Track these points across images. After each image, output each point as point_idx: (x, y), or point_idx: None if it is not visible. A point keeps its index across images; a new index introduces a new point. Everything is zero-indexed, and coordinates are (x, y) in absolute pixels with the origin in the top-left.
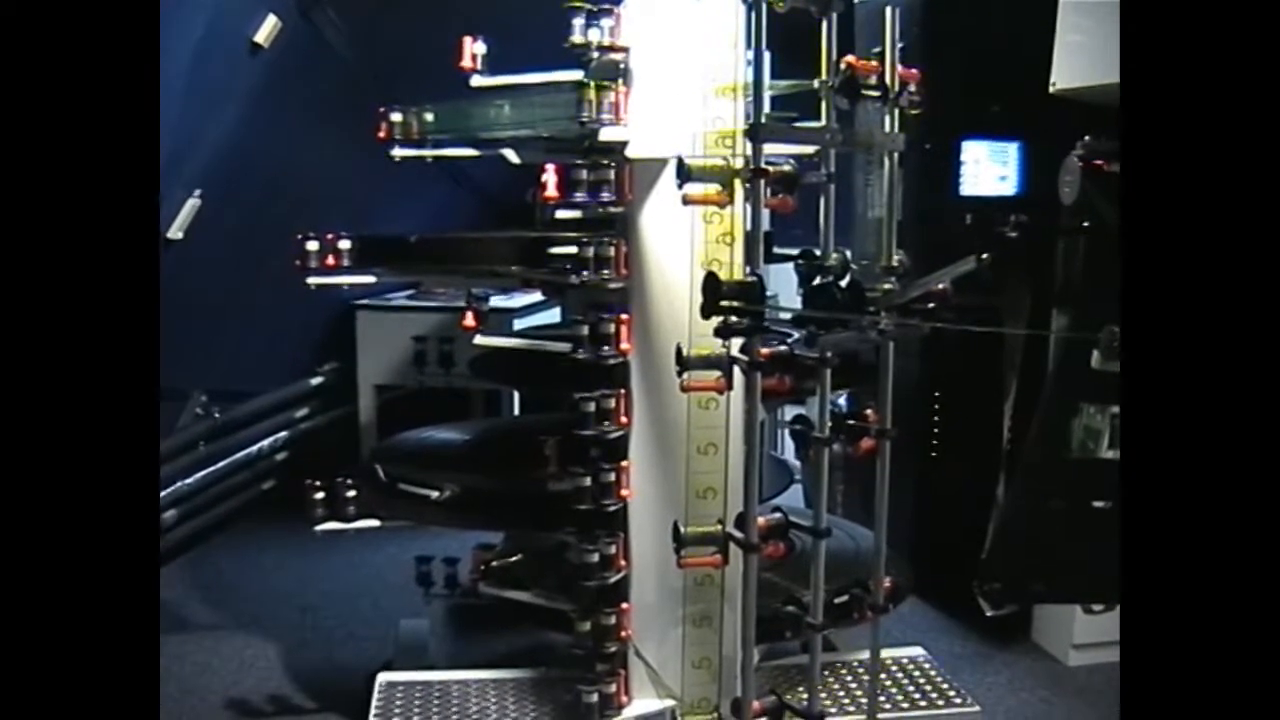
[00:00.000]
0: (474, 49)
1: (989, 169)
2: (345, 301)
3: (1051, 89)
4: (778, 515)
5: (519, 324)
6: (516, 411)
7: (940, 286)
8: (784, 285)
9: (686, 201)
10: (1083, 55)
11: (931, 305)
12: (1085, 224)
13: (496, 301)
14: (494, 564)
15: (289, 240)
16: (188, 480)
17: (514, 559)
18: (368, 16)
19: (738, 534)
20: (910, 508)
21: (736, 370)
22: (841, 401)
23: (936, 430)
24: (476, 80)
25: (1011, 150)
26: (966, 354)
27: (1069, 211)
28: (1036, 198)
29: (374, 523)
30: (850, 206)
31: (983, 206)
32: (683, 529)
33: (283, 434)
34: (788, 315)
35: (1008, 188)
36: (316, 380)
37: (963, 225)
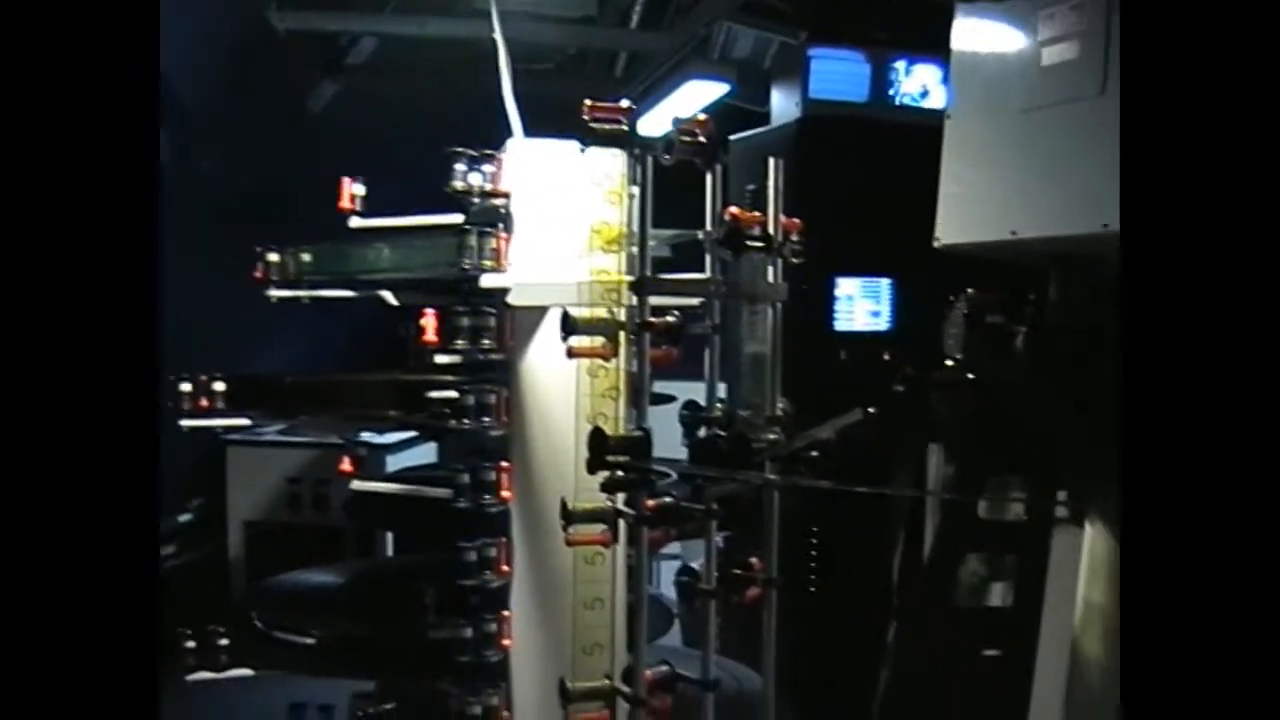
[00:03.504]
0: (353, 190)
1: (862, 305)
2: (214, 436)
3: (935, 244)
4: (665, 668)
5: (392, 461)
6: (390, 550)
7: (825, 436)
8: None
9: (571, 354)
10: (966, 209)
11: (815, 454)
12: (970, 376)
13: (369, 437)
14: (371, 712)
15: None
16: None
17: (388, 707)
18: (244, 154)
19: (625, 689)
20: (790, 644)
21: (621, 523)
22: (718, 539)
23: (814, 564)
24: (355, 222)
25: (884, 286)
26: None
27: (954, 364)
28: (911, 333)
29: (247, 671)
30: (730, 337)
31: (856, 342)
32: (569, 685)
33: None
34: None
35: (881, 323)
36: (184, 517)
37: (837, 360)
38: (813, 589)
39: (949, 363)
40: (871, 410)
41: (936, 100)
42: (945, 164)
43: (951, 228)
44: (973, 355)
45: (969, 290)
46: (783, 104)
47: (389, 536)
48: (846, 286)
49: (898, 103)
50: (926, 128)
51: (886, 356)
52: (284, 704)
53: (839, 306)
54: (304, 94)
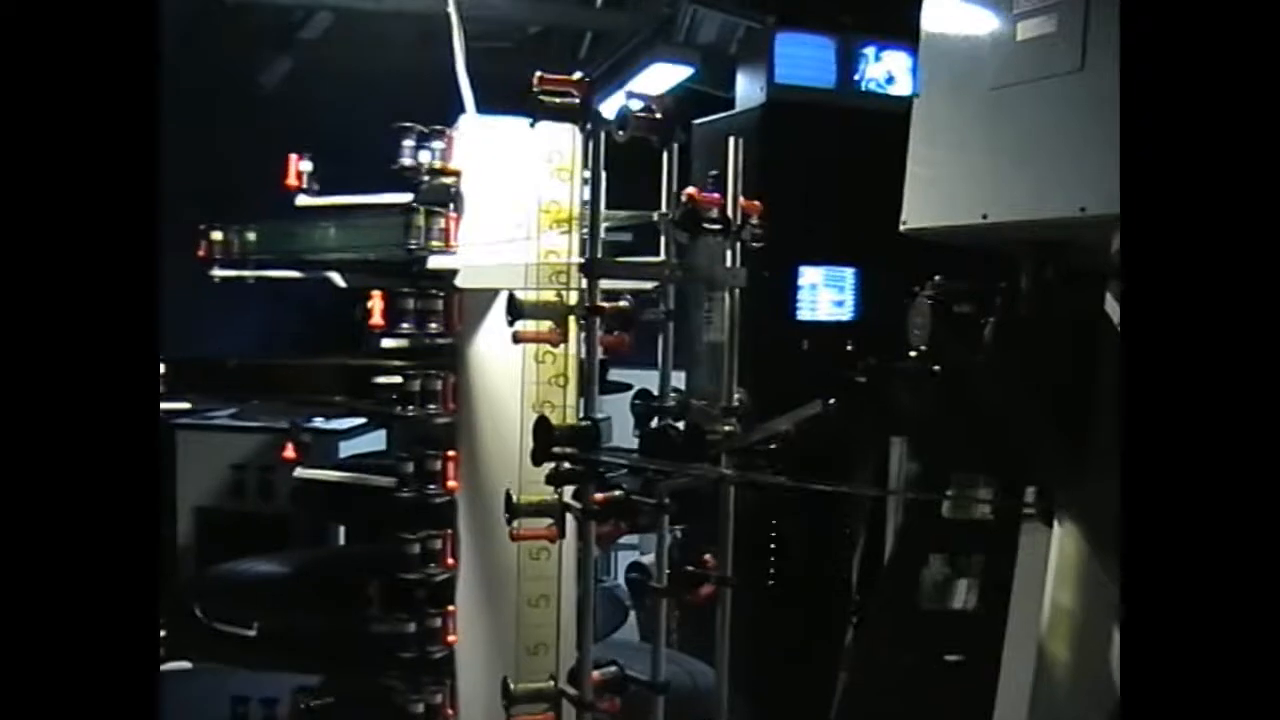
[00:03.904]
0: (300, 167)
1: (826, 294)
2: (162, 420)
3: (902, 227)
4: (613, 669)
5: (345, 447)
6: (343, 539)
7: (783, 429)
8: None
9: (518, 339)
10: (934, 191)
11: (774, 446)
12: (935, 368)
13: (321, 423)
14: (314, 704)
15: None
16: None
17: (329, 700)
18: (190, 129)
19: (571, 690)
20: (748, 639)
21: (570, 517)
22: (674, 531)
23: (772, 559)
24: (302, 200)
25: (848, 275)
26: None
27: (919, 354)
28: (874, 323)
29: (185, 665)
30: (687, 326)
31: (819, 332)
32: (513, 685)
33: None
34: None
35: (844, 313)
36: None
37: (799, 350)
38: (770, 584)
39: (913, 353)
40: (832, 402)
41: (903, 87)
42: (913, 144)
43: (919, 211)
44: (939, 346)
45: (936, 278)
46: (747, 88)
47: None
48: (810, 275)
49: (864, 89)
50: (893, 114)
51: (849, 347)
52: (224, 697)
53: (802, 295)
54: (256, 69)
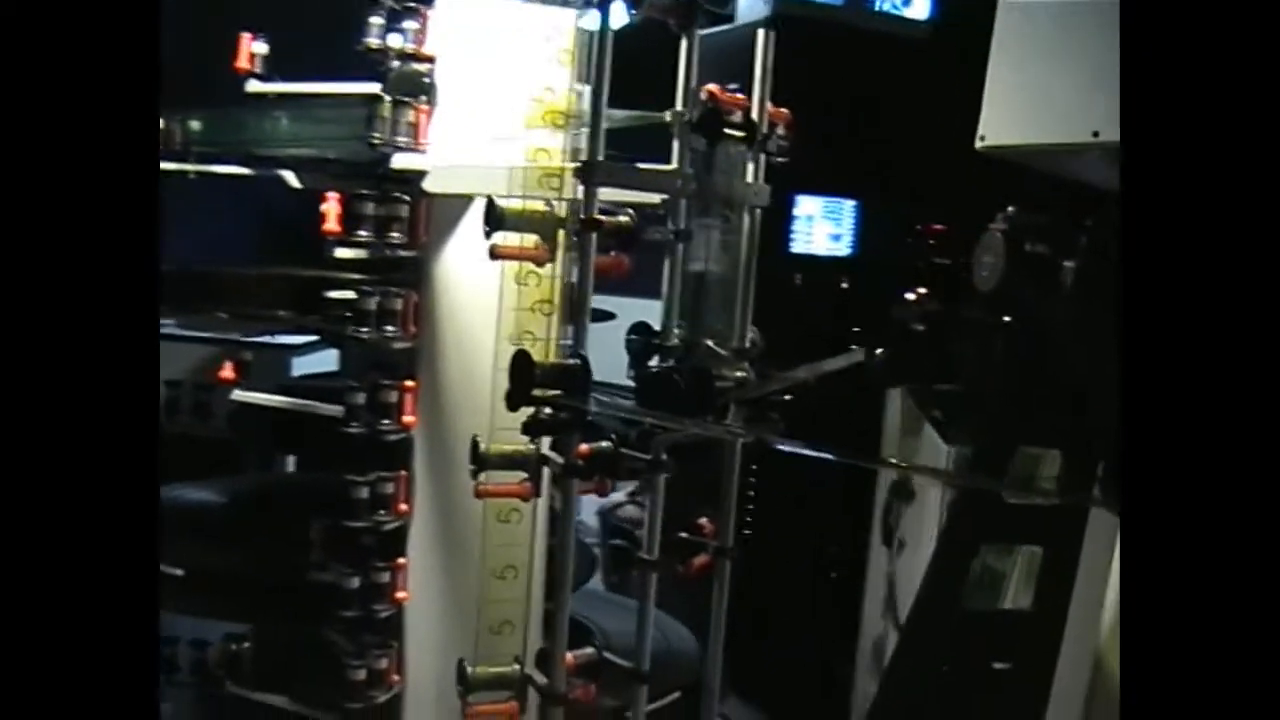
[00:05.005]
0: (254, 48)
1: (822, 227)
2: None
3: (979, 144)
4: (589, 650)
5: (299, 365)
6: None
7: (803, 378)
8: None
9: (495, 255)
10: (1027, 103)
11: (789, 398)
12: (1005, 319)
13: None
14: (245, 645)
15: None
16: None
17: (246, 645)
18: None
19: (539, 678)
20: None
21: (547, 471)
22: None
23: (751, 505)
24: (253, 85)
25: (847, 208)
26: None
27: (983, 301)
28: (871, 259)
29: None
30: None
31: (813, 266)
32: (471, 669)
33: None
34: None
35: (841, 248)
36: None
37: (791, 285)
38: (745, 528)
39: (910, 295)
40: (878, 351)
41: (919, 10)
42: (998, 39)
43: (1004, 124)
44: (1011, 291)
45: (1009, 209)
46: (749, 1)
47: None
48: (807, 205)
49: (877, 8)
50: (906, 40)
51: (844, 285)
52: None
53: (797, 226)
54: None
